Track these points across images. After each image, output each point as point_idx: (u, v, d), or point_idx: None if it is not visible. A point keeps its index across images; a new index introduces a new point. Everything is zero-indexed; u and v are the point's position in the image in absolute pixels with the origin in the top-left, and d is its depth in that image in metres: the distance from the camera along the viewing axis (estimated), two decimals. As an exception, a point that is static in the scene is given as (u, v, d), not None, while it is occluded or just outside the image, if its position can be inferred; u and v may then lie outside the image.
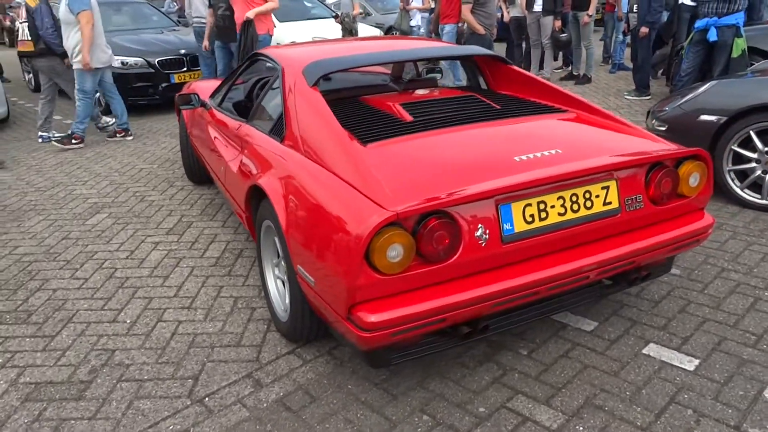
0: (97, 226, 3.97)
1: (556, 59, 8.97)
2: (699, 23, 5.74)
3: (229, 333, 2.70)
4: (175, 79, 7.58)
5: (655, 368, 2.33)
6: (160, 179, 4.92)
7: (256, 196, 2.66)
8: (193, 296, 3.03)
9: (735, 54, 5.56)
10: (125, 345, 2.64)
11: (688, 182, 2.33)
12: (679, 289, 2.88)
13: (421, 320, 1.90)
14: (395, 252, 1.84)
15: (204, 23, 7.32)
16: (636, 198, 2.24)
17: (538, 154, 2.17)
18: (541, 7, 7.73)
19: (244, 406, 2.24)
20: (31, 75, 9.42)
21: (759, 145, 3.66)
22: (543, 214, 2.07)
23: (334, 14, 8.61)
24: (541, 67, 8.41)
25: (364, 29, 10.01)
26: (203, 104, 3.78)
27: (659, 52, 7.70)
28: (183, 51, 7.66)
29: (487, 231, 1.98)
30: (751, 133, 3.67)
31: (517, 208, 2.02)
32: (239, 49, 6.22)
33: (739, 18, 5.54)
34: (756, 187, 3.77)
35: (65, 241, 3.77)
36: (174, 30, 8.64)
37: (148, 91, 7.53)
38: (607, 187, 2.17)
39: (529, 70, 8.66)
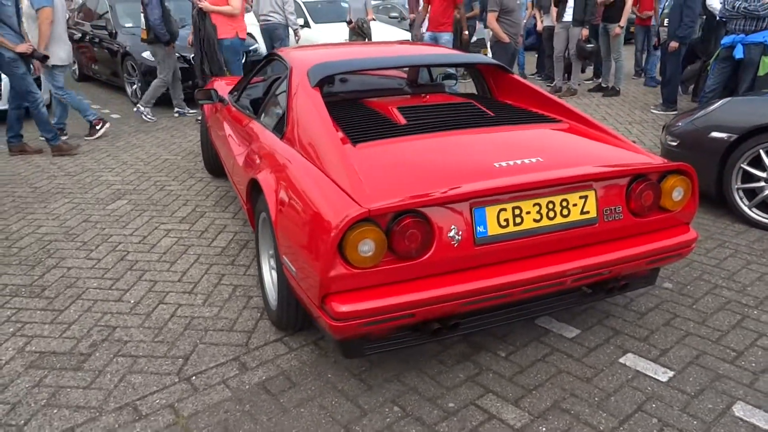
0: (117, 212, 4.18)
1: (583, 71, 8.89)
2: (725, 40, 5.69)
3: (223, 318, 2.84)
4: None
5: (628, 377, 2.37)
6: (182, 170, 5.12)
7: (256, 189, 2.79)
8: (195, 282, 3.18)
9: (761, 72, 5.49)
10: (126, 323, 2.80)
11: (671, 196, 2.36)
12: (668, 303, 2.89)
13: (390, 313, 1.99)
14: (367, 247, 1.93)
15: (269, 20, 7.58)
16: (615, 209, 2.28)
17: (518, 161, 2.24)
18: (572, 17, 7.69)
19: (228, 386, 2.37)
20: (76, 65, 9.81)
21: (768, 164, 3.63)
22: (518, 220, 2.13)
23: (347, 20, 8.64)
24: (567, 78, 8.37)
25: (397, 33, 10.10)
26: (221, 100, 3.95)
27: (690, 67, 7.60)
28: (217, 48, 7.87)
29: (460, 232, 2.06)
30: (761, 152, 3.64)
31: (491, 211, 2.10)
32: (197, 43, 6.40)
33: (767, 36, 5.46)
34: (764, 206, 3.73)
35: (85, 223, 3.98)
36: (211, 27, 8.89)
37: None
38: (586, 197, 2.23)
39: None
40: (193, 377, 2.42)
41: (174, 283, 3.17)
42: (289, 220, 2.26)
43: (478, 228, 2.08)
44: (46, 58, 5.58)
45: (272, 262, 2.78)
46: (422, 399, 2.27)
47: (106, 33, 8.34)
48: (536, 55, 10.21)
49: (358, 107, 2.97)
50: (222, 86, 4.38)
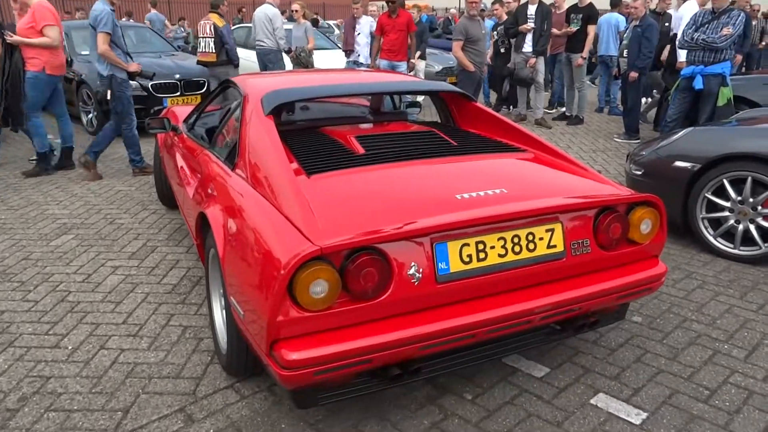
0: (61, 248, 3.92)
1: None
2: (685, 71, 5.77)
3: (170, 363, 2.63)
4: (168, 102, 7.61)
5: (600, 420, 2.24)
6: (135, 202, 4.89)
7: (206, 223, 2.61)
8: (141, 324, 2.96)
9: (720, 103, 5.56)
10: (62, 372, 2.57)
11: (639, 229, 2.27)
12: (638, 338, 2.79)
13: (345, 360, 1.83)
14: (320, 288, 1.78)
15: (263, 46, 7.90)
16: (583, 242, 2.18)
17: (482, 193, 2.12)
18: (532, 48, 7.73)
19: (170, 442, 2.16)
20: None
21: (732, 194, 3.60)
22: (481, 255, 2.01)
23: (287, 48, 8.54)
24: (528, 105, 8.42)
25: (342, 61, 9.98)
26: (174, 128, 3.77)
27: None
28: (177, 75, 7.71)
29: (421, 270, 1.92)
30: (725, 181, 3.62)
31: (453, 247, 1.96)
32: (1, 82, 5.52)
33: (725, 67, 5.56)
34: (729, 236, 3.70)
35: (25, 261, 3.71)
36: (172, 55, 8.73)
37: (140, 114, 7.53)
38: (552, 230, 2.12)
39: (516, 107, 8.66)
40: (132, 432, 2.20)
41: (118, 326, 2.94)
42: (237, 258, 2.09)
43: (439, 264, 1.95)
44: (151, 77, 6.04)
45: (223, 302, 2.59)
46: (383, 450, 2.10)
47: (61, 61, 8.08)
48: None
49: (316, 136, 2.84)
50: (175, 114, 4.21)
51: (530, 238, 2.08)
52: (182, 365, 2.61)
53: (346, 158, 2.45)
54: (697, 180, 3.73)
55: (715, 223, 3.75)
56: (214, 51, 7.16)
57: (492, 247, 2.02)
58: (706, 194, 3.70)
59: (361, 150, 2.55)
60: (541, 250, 2.10)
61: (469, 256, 1.99)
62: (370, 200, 2.12)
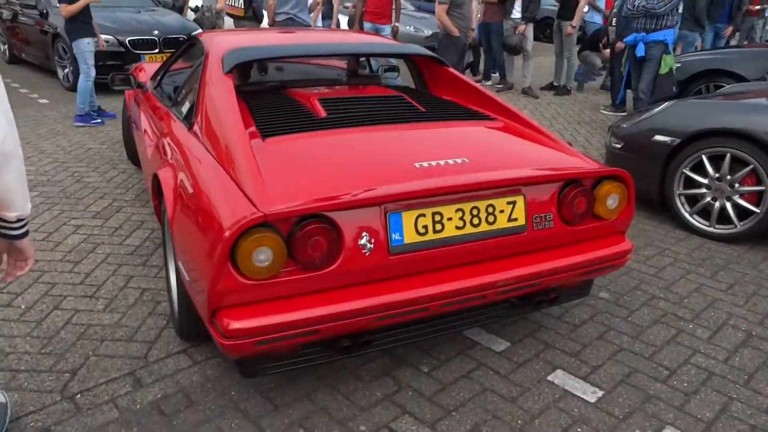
0: (23, 205, 3.81)
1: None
2: (628, 39, 5.82)
3: (124, 326, 2.57)
4: (146, 59, 7.38)
5: (555, 397, 2.21)
6: (105, 160, 4.76)
7: (159, 185, 2.52)
8: (99, 285, 2.89)
9: (662, 71, 5.58)
10: (12, 332, 2.50)
11: (605, 203, 2.20)
12: (603, 314, 2.76)
13: (290, 330, 1.77)
14: (264, 256, 1.71)
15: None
16: (545, 216, 2.11)
17: (442, 162, 2.04)
18: (521, 15, 7.54)
19: (116, 406, 2.11)
20: (6, 46, 9.22)
21: (710, 170, 3.54)
22: (438, 226, 1.94)
23: (194, 7, 8.10)
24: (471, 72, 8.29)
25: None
26: (140, 85, 3.63)
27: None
28: (156, 32, 7.48)
29: (373, 240, 1.85)
30: (703, 157, 3.55)
31: (408, 217, 1.89)
32: None
33: (667, 35, 5.54)
34: (705, 213, 3.65)
35: (-16, 217, 3.61)
36: (152, 10, 8.44)
37: (117, 70, 7.32)
38: (514, 203, 2.05)
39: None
40: (78, 395, 2.15)
41: (75, 286, 2.87)
42: (184, 222, 2.01)
43: (393, 235, 1.88)
44: None
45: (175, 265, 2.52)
46: (332, 421, 2.06)
47: (37, 13, 7.81)
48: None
49: (278, 97, 2.72)
50: (145, 70, 4.06)
51: (490, 210, 2.01)
52: (136, 328, 2.55)
53: (305, 121, 2.35)
54: (675, 155, 3.67)
55: (692, 200, 3.70)
56: (242, 6, 7.21)
57: (449, 219, 1.95)
58: (684, 170, 3.64)
59: (323, 113, 2.44)
60: (502, 223, 2.03)
61: (425, 227, 1.92)
62: (325, 166, 2.03)
